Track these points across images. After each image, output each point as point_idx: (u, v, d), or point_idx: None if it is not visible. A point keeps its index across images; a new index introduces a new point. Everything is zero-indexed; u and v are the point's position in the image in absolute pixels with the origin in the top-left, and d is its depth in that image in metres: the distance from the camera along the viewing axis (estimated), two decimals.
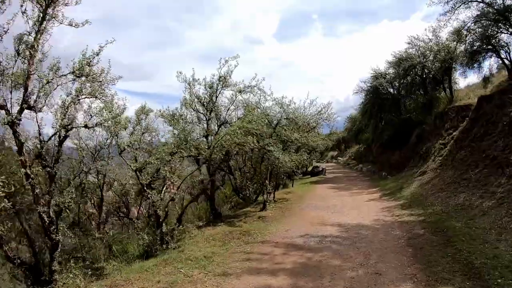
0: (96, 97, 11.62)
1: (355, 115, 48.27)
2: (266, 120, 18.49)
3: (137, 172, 13.11)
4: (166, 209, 13.41)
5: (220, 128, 16.88)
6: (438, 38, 27.18)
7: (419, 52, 28.56)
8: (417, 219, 13.09)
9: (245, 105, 17.95)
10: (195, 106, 16.93)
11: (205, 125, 16.97)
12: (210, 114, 16.95)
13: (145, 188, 12.99)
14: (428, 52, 27.93)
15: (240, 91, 16.98)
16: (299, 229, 13.42)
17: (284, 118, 19.78)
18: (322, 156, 62.23)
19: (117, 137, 13.02)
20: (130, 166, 13.15)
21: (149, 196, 12.69)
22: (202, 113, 17.13)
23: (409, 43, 29.33)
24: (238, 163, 22.08)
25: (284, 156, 16.85)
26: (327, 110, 22.51)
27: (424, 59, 28.02)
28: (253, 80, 16.79)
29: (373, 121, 37.05)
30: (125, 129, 14.13)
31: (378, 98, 33.90)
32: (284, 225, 14.58)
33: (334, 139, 42.36)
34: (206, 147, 14.45)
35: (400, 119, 32.19)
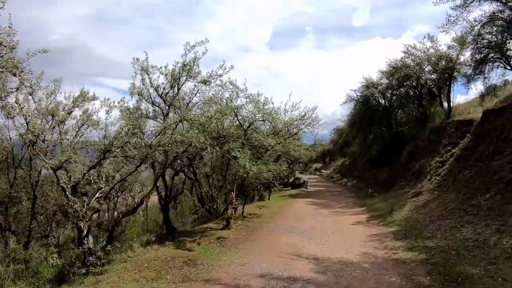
0: None
1: (342, 127, 45.23)
2: (237, 120, 15.22)
3: (56, 172, 9.91)
4: (88, 222, 10.09)
5: (178, 126, 13.38)
6: (438, 46, 23.98)
7: (415, 62, 25.22)
8: (417, 258, 9.67)
9: (210, 99, 14.42)
10: (150, 97, 13.50)
11: (162, 121, 13.48)
12: (168, 108, 13.47)
13: (66, 193, 9.88)
14: (425, 62, 24.67)
15: (204, 82, 13.56)
16: (260, 264, 9.89)
17: (260, 120, 16.43)
18: (306, 167, 59.33)
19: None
20: (47, 163, 9.79)
21: (70, 203, 9.66)
22: (158, 107, 13.70)
23: (405, 52, 25.98)
24: (206, 169, 18.64)
25: (251, 165, 13.43)
26: (311, 115, 18.99)
27: (420, 70, 24.73)
28: (219, 69, 13.38)
29: (361, 134, 33.99)
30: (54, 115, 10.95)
31: (368, 109, 30.70)
32: (243, 254, 11.11)
33: (318, 151, 39.42)
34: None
35: (391, 133, 29.17)
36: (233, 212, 15.49)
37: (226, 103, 14.74)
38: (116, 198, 15.16)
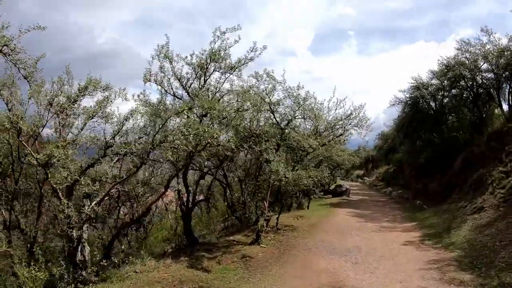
0: None
1: (387, 132, 41.96)
2: (273, 117, 13.05)
3: (46, 169, 8.31)
4: (80, 231, 8.31)
5: (202, 121, 11.19)
6: (498, 40, 21.25)
7: (470, 60, 22.34)
8: None
9: (243, 91, 12.12)
10: (171, 88, 11.46)
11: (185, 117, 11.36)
12: (193, 101, 11.35)
13: (58, 194, 8.44)
14: (482, 59, 21.98)
15: (232, 68, 11.36)
16: None
17: (299, 117, 14.16)
18: (348, 174, 57.21)
19: None
20: (34, 157, 7.88)
21: (61, 208, 8.07)
22: (180, 99, 11.65)
23: (458, 49, 23.09)
24: (238, 173, 16.50)
25: (286, 170, 11.18)
26: (359, 113, 16.22)
27: (476, 68, 22.03)
28: (251, 52, 11.18)
29: (409, 139, 30.48)
30: None
31: (417, 112, 27.50)
32: (270, 283, 8.86)
33: (362, 157, 36.68)
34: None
35: (443, 138, 26.08)
36: (265, 224, 13.26)
37: (261, 97, 12.49)
38: (134, 202, 13.29)
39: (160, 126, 8.83)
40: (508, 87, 21.30)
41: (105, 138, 8.99)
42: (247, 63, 11.32)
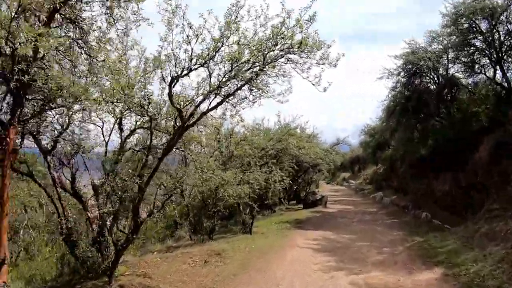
0: None
1: (374, 126, 32.08)
2: None
3: None
4: None
5: None
6: None
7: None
8: None
9: None
10: None
11: None
12: None
13: None
14: None
15: None
16: None
17: None
18: (334, 177, 50.05)
19: None
20: None
21: None
22: None
23: None
24: None
25: None
26: (297, 25, 6.15)
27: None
28: None
29: (403, 127, 19.88)
30: None
31: (415, 89, 18.11)
32: None
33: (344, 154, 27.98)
34: None
35: (453, 121, 16.83)
36: None
37: None
38: None
39: None
40: None
41: None
42: None
